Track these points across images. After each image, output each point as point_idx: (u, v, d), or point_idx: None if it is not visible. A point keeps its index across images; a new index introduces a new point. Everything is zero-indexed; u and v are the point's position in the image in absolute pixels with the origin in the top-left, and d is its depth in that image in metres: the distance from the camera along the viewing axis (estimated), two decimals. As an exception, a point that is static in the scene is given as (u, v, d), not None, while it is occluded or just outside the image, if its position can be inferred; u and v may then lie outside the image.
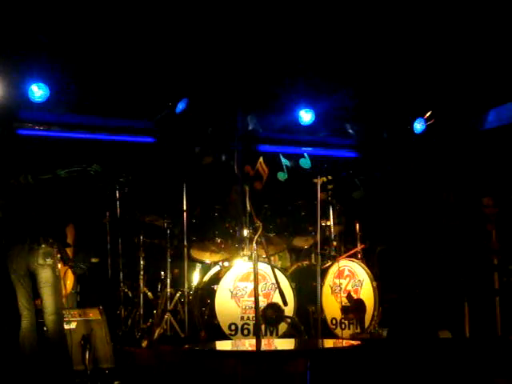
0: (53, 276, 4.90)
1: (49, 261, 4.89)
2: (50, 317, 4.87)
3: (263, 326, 6.09)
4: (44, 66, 6.88)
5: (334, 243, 6.96)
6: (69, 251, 5.26)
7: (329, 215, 6.84)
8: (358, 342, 4.91)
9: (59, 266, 4.96)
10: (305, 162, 7.02)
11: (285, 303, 4.68)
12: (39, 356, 4.96)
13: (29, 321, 4.94)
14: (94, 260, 7.33)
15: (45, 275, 4.89)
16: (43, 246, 4.90)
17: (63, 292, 5.13)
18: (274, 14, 6.46)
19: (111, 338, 5.68)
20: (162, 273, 6.87)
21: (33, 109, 7.16)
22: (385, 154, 8.56)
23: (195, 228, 6.72)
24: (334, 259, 6.70)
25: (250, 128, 8.14)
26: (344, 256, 6.87)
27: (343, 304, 6.49)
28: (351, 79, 7.63)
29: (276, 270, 5.58)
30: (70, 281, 5.21)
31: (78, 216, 5.74)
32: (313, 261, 7.01)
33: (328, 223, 6.87)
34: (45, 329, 4.95)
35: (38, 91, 6.94)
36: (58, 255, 4.96)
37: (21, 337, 4.95)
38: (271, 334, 6.13)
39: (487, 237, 6.85)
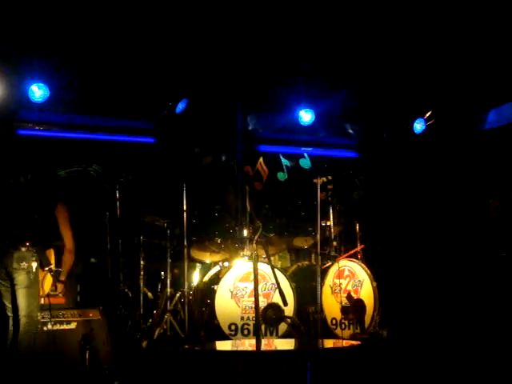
0: (27, 279, 4.93)
1: (23, 265, 4.92)
2: (21, 319, 4.94)
3: (263, 326, 6.09)
4: (44, 66, 6.88)
5: (334, 243, 6.95)
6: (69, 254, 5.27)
7: (329, 215, 6.83)
8: (358, 342, 4.91)
9: (34, 268, 4.94)
10: (305, 162, 7.01)
11: (285, 303, 4.67)
12: (34, 357, 4.98)
13: (17, 323, 4.94)
14: (93, 260, 7.33)
15: (19, 278, 4.93)
16: (21, 249, 4.90)
17: (40, 293, 5.12)
18: (275, 14, 6.45)
19: (111, 338, 5.67)
20: (162, 273, 6.88)
21: (33, 109, 7.15)
22: (385, 153, 8.56)
23: (195, 228, 6.72)
24: (334, 259, 6.70)
25: (250, 128, 8.13)
26: (344, 256, 6.87)
27: (343, 304, 6.49)
28: (351, 79, 7.62)
29: (276, 270, 5.57)
30: (47, 283, 5.20)
31: (77, 216, 5.73)
32: (313, 261, 7.01)
33: (328, 223, 6.87)
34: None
35: (38, 91, 6.93)
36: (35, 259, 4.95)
37: (9, 339, 4.99)
38: (271, 334, 6.13)
39: (489, 236, 6.84)
